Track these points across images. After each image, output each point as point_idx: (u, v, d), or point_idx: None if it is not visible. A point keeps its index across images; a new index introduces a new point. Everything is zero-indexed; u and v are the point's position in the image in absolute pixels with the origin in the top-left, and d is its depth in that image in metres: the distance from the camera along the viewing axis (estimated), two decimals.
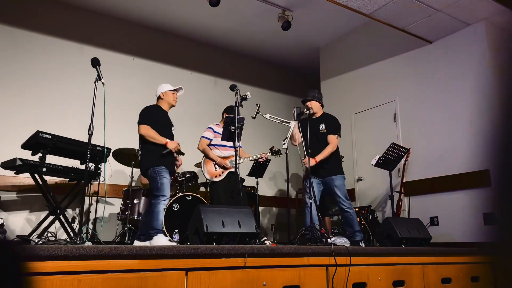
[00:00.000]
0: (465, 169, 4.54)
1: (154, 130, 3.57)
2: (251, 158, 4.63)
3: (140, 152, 3.64)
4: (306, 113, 3.99)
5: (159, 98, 3.80)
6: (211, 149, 4.48)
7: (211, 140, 4.49)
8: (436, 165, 4.87)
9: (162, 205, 3.43)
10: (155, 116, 3.65)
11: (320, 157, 4.01)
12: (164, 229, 4.02)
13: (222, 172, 4.41)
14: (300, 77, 7.73)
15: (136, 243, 3.47)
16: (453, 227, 4.58)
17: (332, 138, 4.13)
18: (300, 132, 3.98)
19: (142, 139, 3.59)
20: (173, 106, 3.83)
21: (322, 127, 4.18)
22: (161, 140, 3.57)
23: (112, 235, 4.69)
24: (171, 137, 3.72)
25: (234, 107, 3.59)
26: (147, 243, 3.36)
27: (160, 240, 3.24)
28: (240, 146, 4.62)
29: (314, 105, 4.22)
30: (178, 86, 3.87)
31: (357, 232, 3.99)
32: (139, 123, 3.60)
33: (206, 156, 4.47)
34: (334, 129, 4.18)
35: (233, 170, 4.27)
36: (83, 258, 1.86)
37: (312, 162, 3.93)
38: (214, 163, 4.42)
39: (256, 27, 6.16)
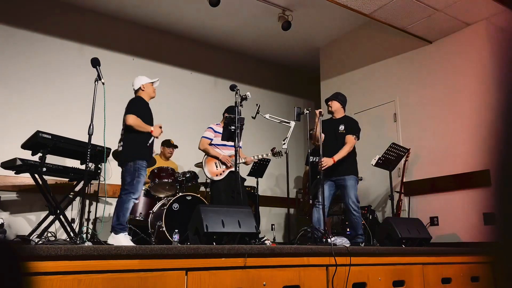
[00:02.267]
0: (465, 169, 4.54)
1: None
2: (241, 160, 4.58)
3: (122, 143, 3.58)
4: (307, 113, 4.00)
5: (139, 90, 3.76)
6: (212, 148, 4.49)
7: (211, 140, 4.49)
8: (436, 165, 4.87)
9: (132, 203, 3.42)
10: (142, 107, 3.63)
11: (337, 157, 4.03)
12: (165, 229, 4.03)
13: (223, 171, 4.40)
14: (300, 77, 7.73)
15: (122, 238, 3.37)
16: (453, 227, 4.58)
17: (350, 138, 4.15)
18: (321, 133, 4.04)
19: (127, 129, 3.54)
20: (152, 97, 3.81)
21: (341, 127, 4.22)
22: (147, 128, 3.56)
23: None
24: (152, 125, 3.70)
25: (235, 107, 3.59)
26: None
27: (122, 240, 3.22)
28: (240, 147, 4.61)
29: (335, 105, 4.30)
30: (156, 79, 3.85)
31: (359, 235, 3.99)
32: (127, 113, 3.54)
33: (208, 154, 4.46)
34: (353, 131, 4.20)
35: (233, 169, 4.26)
36: (83, 258, 1.86)
37: (330, 161, 3.96)
38: (217, 160, 4.41)
39: (256, 27, 6.16)
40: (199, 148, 4.54)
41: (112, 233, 3.32)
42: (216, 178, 4.38)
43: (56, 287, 1.76)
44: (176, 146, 5.45)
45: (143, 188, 4.67)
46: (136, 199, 3.51)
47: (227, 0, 5.32)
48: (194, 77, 6.53)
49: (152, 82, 3.81)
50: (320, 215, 3.91)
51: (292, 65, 7.53)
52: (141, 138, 3.56)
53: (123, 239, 3.26)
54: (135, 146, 3.52)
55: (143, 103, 3.68)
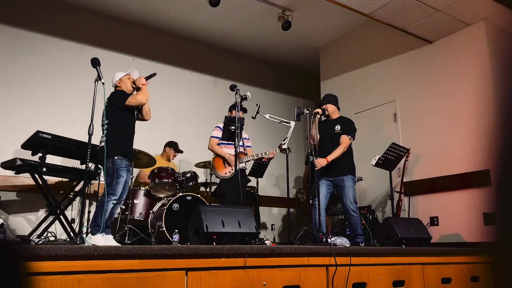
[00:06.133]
0: (465, 169, 4.53)
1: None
2: (258, 155, 4.55)
3: (103, 139, 3.40)
4: (307, 113, 4.01)
5: (116, 86, 3.69)
6: (220, 147, 4.50)
7: (220, 138, 4.50)
8: (436, 165, 4.87)
9: (111, 204, 3.34)
10: (126, 97, 3.54)
11: (331, 157, 4.05)
12: (164, 229, 4.03)
13: (232, 169, 4.40)
14: (300, 77, 7.73)
15: (99, 239, 3.25)
16: (453, 227, 4.58)
17: (344, 138, 4.17)
18: (318, 133, 4.08)
19: (108, 125, 3.40)
20: (132, 90, 3.69)
21: (337, 127, 4.24)
22: (144, 89, 3.55)
23: (112, 235, 4.68)
24: (133, 122, 3.64)
25: (237, 107, 3.60)
26: (101, 236, 3.28)
27: (99, 240, 3.15)
28: (250, 146, 4.63)
29: (330, 108, 4.31)
30: (130, 69, 3.76)
31: (359, 235, 4.00)
32: (119, 104, 3.46)
33: (215, 154, 4.48)
34: (348, 131, 4.21)
35: (241, 167, 4.25)
36: (83, 258, 1.86)
37: (324, 161, 3.98)
38: (223, 159, 4.42)
39: (256, 27, 6.16)
40: (208, 148, 4.56)
41: (90, 235, 3.27)
42: (225, 176, 4.40)
43: (56, 287, 1.76)
44: (181, 151, 5.40)
45: (143, 189, 4.68)
46: (117, 201, 3.41)
47: (227, 0, 5.33)
48: (194, 77, 6.53)
49: (128, 75, 3.71)
50: (319, 215, 3.92)
51: (292, 65, 7.53)
52: (121, 136, 3.46)
53: (100, 240, 3.18)
54: (114, 140, 3.37)
55: (126, 95, 3.57)
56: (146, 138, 5.35)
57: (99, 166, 4.05)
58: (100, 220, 3.26)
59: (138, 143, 4.76)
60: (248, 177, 5.49)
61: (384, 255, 3.06)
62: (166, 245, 2.81)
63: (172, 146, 5.35)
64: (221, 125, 4.56)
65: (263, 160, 4.66)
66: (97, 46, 5.67)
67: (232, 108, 4.60)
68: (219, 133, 4.51)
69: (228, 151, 4.46)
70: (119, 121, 3.48)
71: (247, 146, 4.60)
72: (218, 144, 4.49)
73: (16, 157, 3.70)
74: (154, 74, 3.71)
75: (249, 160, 4.51)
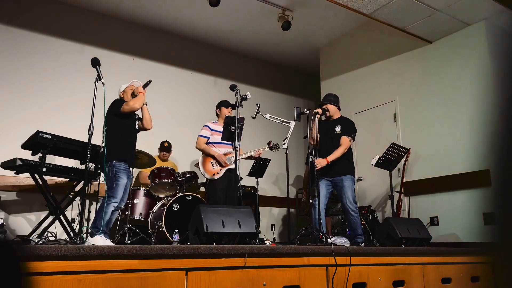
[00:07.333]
0: (465, 169, 4.54)
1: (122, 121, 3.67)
2: (246, 155, 4.54)
3: (103, 144, 3.49)
4: (307, 113, 4.01)
5: (120, 97, 3.88)
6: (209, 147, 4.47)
7: (208, 138, 4.46)
8: (436, 165, 4.87)
9: (111, 207, 3.40)
10: (120, 106, 3.69)
11: (331, 157, 4.06)
12: (164, 229, 4.03)
13: (220, 170, 4.37)
14: (300, 77, 7.73)
15: (98, 240, 3.25)
16: (453, 227, 4.58)
17: (344, 139, 4.17)
18: (318, 133, 4.07)
19: (108, 129, 3.53)
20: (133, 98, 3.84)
21: (338, 128, 4.24)
22: (141, 96, 3.68)
23: (112, 235, 4.69)
24: (133, 129, 3.78)
25: (227, 101, 3.60)
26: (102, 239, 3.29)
27: (99, 241, 3.17)
28: (239, 145, 4.59)
29: (331, 108, 4.31)
30: (132, 80, 3.92)
31: (359, 235, 4.00)
32: (116, 110, 3.63)
33: (205, 153, 4.44)
34: (348, 132, 4.21)
35: (231, 167, 4.25)
36: (83, 258, 1.86)
37: (324, 162, 3.98)
38: (213, 159, 4.38)
39: (256, 27, 6.16)
40: (196, 147, 4.52)
41: (89, 236, 3.30)
42: (214, 177, 4.36)
43: (56, 287, 1.76)
44: (167, 149, 5.34)
45: (143, 189, 4.67)
46: (117, 205, 3.45)
47: (227, 0, 5.33)
48: (194, 77, 6.53)
49: (130, 85, 3.88)
50: (319, 215, 3.92)
51: (292, 65, 7.53)
52: (119, 140, 3.56)
53: (99, 241, 3.20)
54: (112, 146, 3.46)
55: (123, 102, 3.73)
56: (145, 138, 5.34)
57: (99, 167, 4.06)
58: (99, 222, 3.31)
59: (138, 143, 4.76)
60: (248, 177, 5.50)
61: (384, 255, 3.06)
62: (166, 245, 2.80)
63: (159, 146, 5.34)
64: (210, 124, 4.53)
65: (252, 158, 4.65)
66: (97, 46, 5.67)
67: (221, 105, 4.58)
68: (207, 132, 4.48)
69: (216, 151, 4.43)
70: (117, 128, 3.61)
71: (238, 145, 4.57)
72: (206, 143, 4.46)
73: (16, 157, 3.70)
74: (150, 82, 3.83)
75: (246, 158, 4.49)
